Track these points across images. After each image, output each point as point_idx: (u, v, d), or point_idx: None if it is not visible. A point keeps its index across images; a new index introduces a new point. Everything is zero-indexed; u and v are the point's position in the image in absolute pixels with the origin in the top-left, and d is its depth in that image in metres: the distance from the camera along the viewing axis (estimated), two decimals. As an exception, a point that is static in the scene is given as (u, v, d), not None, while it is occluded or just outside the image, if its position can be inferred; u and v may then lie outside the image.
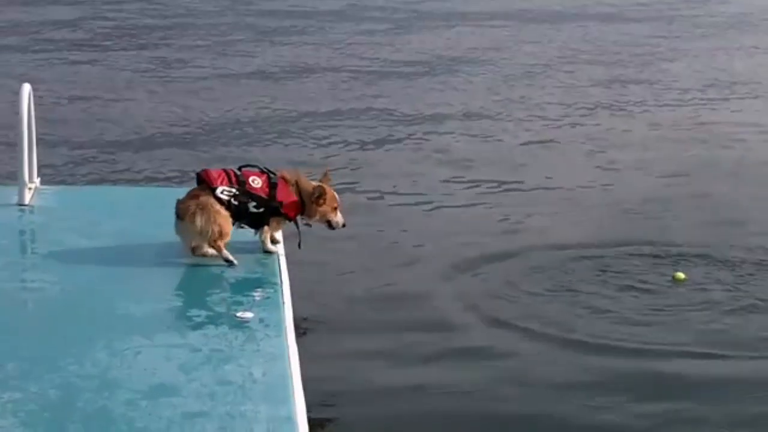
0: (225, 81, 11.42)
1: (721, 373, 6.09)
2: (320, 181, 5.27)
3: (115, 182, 7.69)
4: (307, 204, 5.17)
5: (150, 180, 7.99)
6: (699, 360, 6.25)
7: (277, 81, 11.61)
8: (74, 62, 11.95)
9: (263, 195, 5.06)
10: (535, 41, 13.87)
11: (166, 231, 4.63)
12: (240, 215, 4.88)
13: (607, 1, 16.31)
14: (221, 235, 4.60)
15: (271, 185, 5.16)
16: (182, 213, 4.60)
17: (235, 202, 4.82)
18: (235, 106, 10.50)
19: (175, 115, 10.21)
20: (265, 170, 5.23)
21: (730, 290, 7.22)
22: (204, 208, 4.62)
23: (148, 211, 5.05)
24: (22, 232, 5.00)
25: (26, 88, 4.96)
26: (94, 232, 4.80)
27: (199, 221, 4.59)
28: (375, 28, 14.33)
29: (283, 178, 5.15)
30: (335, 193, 5.36)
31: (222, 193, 4.80)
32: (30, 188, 5.12)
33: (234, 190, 4.89)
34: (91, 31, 13.50)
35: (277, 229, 5.06)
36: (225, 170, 5.16)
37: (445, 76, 12.03)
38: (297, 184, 5.18)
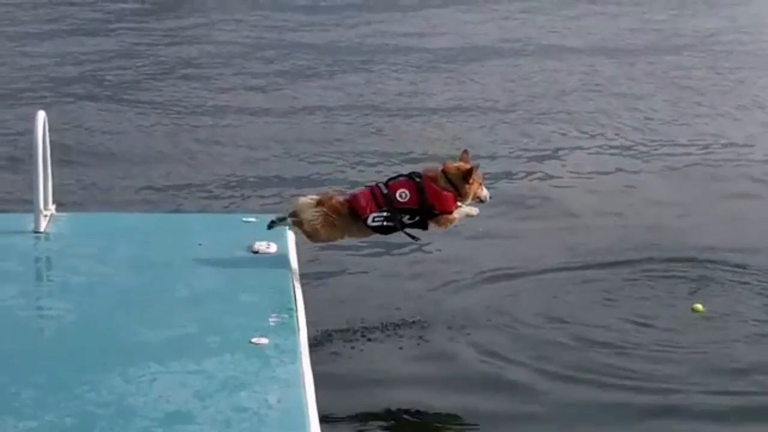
0: (248, 112, 11.39)
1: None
2: (461, 160, 5.52)
3: (130, 208, 7.71)
4: (460, 188, 5.44)
5: (165, 206, 8.00)
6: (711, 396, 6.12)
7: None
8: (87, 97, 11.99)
9: (414, 206, 5.31)
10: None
11: (182, 257, 4.64)
12: (397, 229, 5.25)
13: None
14: None
15: (420, 191, 5.31)
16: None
17: (389, 223, 5.15)
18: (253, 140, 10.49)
19: (188, 140, 10.22)
20: (410, 176, 5.40)
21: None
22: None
23: (163, 237, 5.05)
24: (37, 259, 5.01)
25: (41, 115, 4.98)
26: (110, 259, 4.80)
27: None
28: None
29: (428, 177, 5.38)
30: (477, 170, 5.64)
31: (374, 221, 5.11)
32: (45, 215, 5.13)
33: (384, 213, 5.16)
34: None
35: (447, 223, 5.45)
36: (371, 190, 5.30)
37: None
38: (445, 175, 5.41)
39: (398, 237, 5.56)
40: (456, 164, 5.51)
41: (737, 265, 7.76)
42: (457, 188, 5.45)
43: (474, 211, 5.63)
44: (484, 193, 5.59)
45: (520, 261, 7.59)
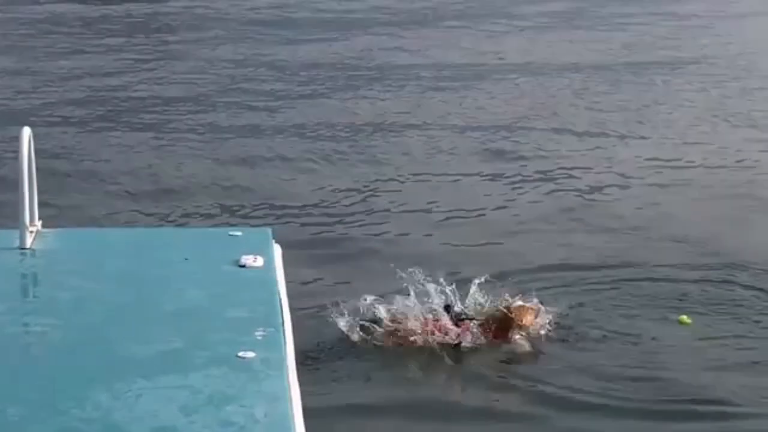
0: (233, 129, 11.39)
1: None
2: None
3: (116, 224, 7.72)
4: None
5: (151, 221, 8.01)
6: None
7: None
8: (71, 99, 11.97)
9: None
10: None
11: (168, 272, 4.63)
12: None
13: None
14: None
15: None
16: None
17: None
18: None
19: (172, 155, 10.22)
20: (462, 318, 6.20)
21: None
22: None
23: (149, 251, 5.03)
24: (23, 276, 4.98)
25: (26, 131, 4.96)
26: (96, 274, 4.78)
27: None
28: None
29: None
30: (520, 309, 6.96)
31: None
32: (31, 231, 5.11)
33: None
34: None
35: None
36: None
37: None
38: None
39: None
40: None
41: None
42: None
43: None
44: (533, 316, 6.97)
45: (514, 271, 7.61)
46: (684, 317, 7.44)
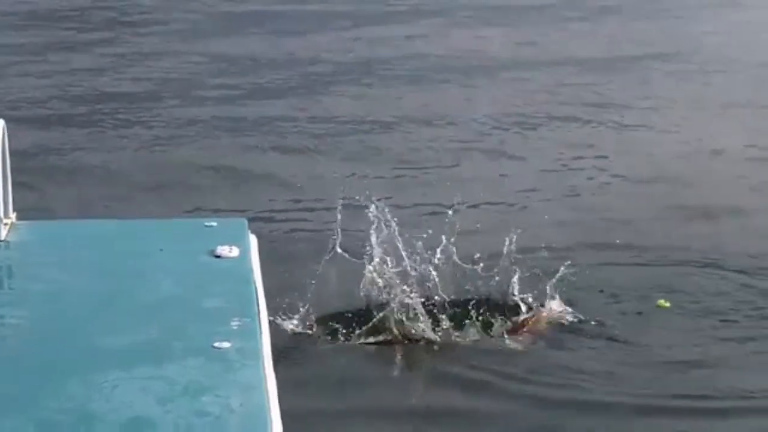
0: (210, 122, 11.38)
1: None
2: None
3: (93, 216, 7.70)
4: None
5: (126, 213, 7.99)
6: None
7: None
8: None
9: None
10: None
11: (143, 263, 4.63)
12: None
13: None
14: None
15: None
16: None
17: None
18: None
19: (150, 150, 10.20)
20: None
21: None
22: None
23: (124, 243, 5.03)
24: (-2, 268, 4.97)
25: (0, 123, 4.95)
26: (71, 266, 4.78)
27: None
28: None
29: None
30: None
31: None
32: (6, 223, 5.10)
33: None
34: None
35: None
36: None
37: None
38: None
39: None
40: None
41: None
42: None
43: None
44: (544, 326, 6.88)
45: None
46: (662, 301, 7.48)
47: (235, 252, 4.78)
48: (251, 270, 4.68)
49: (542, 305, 7.15)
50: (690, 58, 14.32)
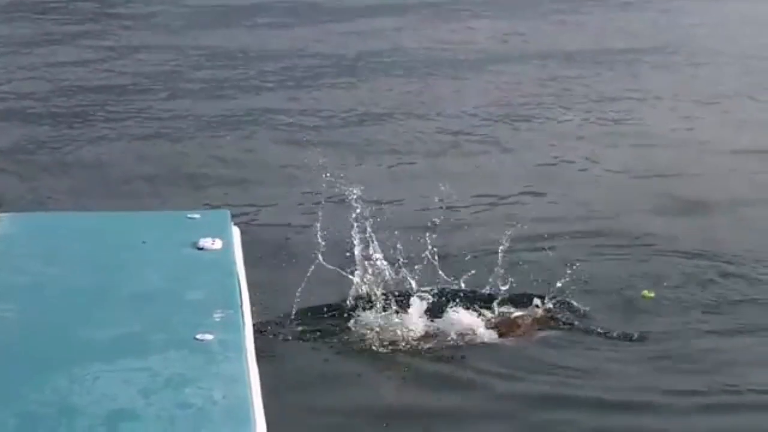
0: (191, 114, 11.36)
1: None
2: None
3: (74, 209, 7.67)
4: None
5: (108, 205, 7.97)
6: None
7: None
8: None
9: None
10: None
11: (126, 255, 4.62)
12: None
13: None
14: None
15: None
16: None
17: None
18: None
19: (133, 143, 10.17)
20: None
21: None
22: None
23: (107, 235, 5.02)
24: (-19, 261, 4.95)
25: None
26: (54, 258, 4.77)
27: None
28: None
29: None
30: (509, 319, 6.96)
31: None
32: (-11, 216, 5.08)
33: None
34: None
35: None
36: None
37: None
38: None
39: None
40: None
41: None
42: None
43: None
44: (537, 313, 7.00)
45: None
46: (646, 292, 7.48)
47: (218, 244, 4.77)
48: (234, 262, 4.67)
49: (530, 300, 7.13)
50: (678, 50, 14.33)
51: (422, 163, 9.99)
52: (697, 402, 6.23)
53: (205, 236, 4.78)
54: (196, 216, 5.09)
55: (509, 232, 7.63)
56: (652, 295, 7.37)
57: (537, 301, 7.11)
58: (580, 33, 15.23)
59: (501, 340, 6.83)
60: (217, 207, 8.29)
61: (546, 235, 8.26)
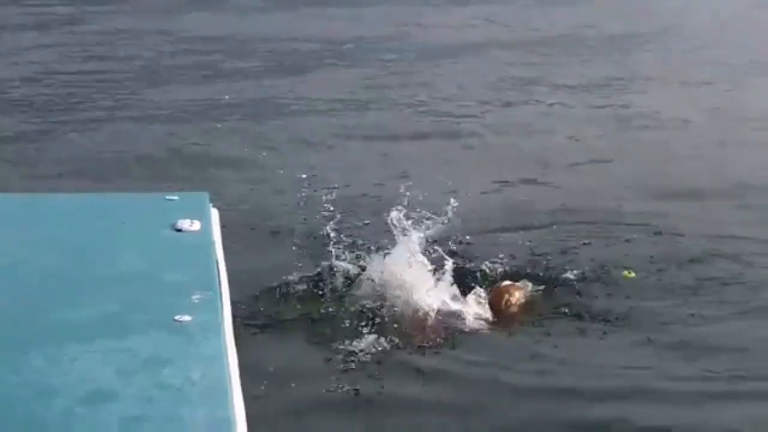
0: (170, 96, 11.33)
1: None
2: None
3: (51, 190, 7.64)
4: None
5: (85, 187, 7.93)
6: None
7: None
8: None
9: None
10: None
11: (104, 237, 4.61)
12: None
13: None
14: None
15: None
16: None
17: None
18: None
19: (107, 119, 10.12)
20: None
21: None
22: None
23: (85, 217, 5.00)
24: (-44, 242, 4.91)
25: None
26: (32, 240, 4.75)
27: None
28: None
29: None
30: (501, 288, 7.08)
31: None
32: (-35, 198, 5.05)
33: None
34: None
35: None
36: None
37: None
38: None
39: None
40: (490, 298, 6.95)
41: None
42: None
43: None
44: (526, 291, 7.11)
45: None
46: (626, 272, 7.50)
47: (196, 226, 4.76)
48: (213, 244, 4.67)
49: (511, 285, 7.13)
50: (660, 36, 14.37)
51: (409, 147, 10.00)
52: (686, 388, 6.25)
53: (183, 218, 4.76)
54: (175, 198, 5.07)
55: (490, 217, 7.66)
56: (633, 275, 7.40)
57: (521, 283, 7.12)
58: (561, 19, 15.24)
59: (485, 325, 6.84)
60: (187, 180, 8.29)
61: (527, 220, 8.29)
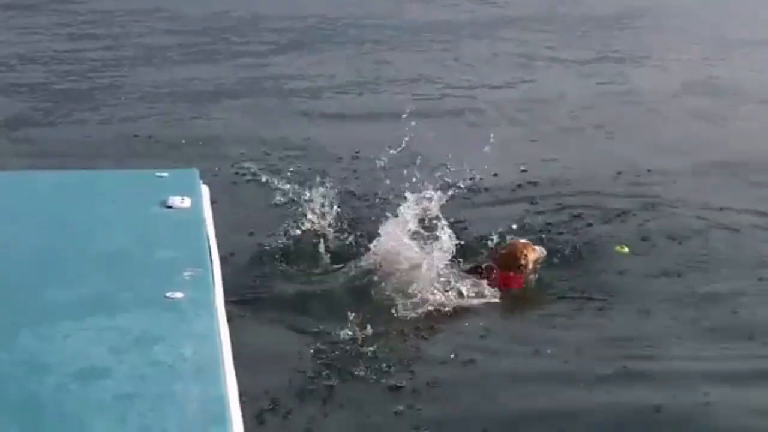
0: (159, 72, 11.29)
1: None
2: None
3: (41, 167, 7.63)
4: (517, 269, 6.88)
5: (75, 164, 7.91)
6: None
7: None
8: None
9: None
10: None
11: (94, 214, 4.60)
12: None
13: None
14: None
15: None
16: None
17: None
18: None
19: (94, 95, 10.09)
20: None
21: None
22: None
23: (74, 194, 4.99)
24: (-57, 221, 4.90)
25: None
26: (21, 218, 4.74)
27: None
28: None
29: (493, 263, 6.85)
30: (518, 243, 7.04)
31: None
32: (-46, 175, 5.03)
33: None
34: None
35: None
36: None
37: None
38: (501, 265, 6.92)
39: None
40: (504, 252, 6.96)
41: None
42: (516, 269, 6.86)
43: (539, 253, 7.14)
44: (538, 254, 7.02)
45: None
46: (619, 247, 7.48)
47: (187, 203, 4.75)
48: (203, 220, 4.66)
49: (529, 244, 7.08)
50: (653, 11, 14.41)
51: (406, 123, 9.97)
52: (662, 369, 6.24)
53: (174, 194, 4.75)
54: (165, 174, 5.06)
55: (489, 191, 7.66)
56: (626, 250, 7.38)
57: (539, 248, 7.07)
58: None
59: (471, 307, 6.82)
60: (177, 157, 8.26)
61: (523, 194, 8.30)
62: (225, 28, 13.23)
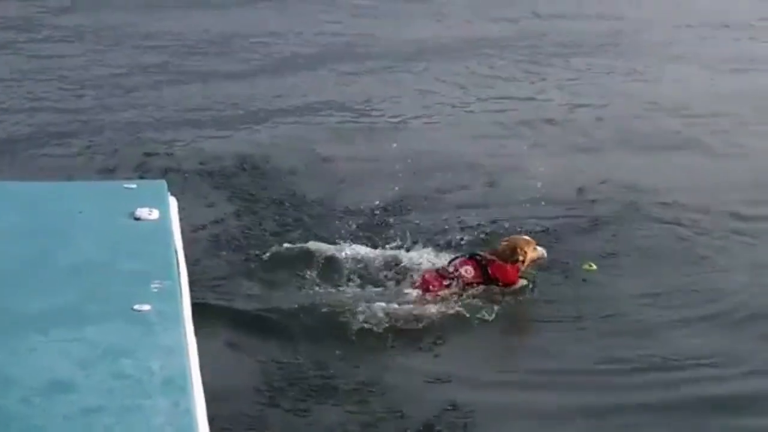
0: (131, 83, 11.24)
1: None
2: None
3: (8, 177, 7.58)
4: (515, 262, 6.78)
5: (42, 175, 7.86)
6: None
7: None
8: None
9: (479, 280, 6.63)
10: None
11: (62, 225, 4.57)
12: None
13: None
14: None
15: (483, 268, 6.28)
16: None
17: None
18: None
19: (66, 107, 10.04)
20: (471, 255, 6.31)
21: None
22: None
23: (42, 205, 4.95)
24: None
25: None
26: (-12, 229, 4.70)
27: None
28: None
29: (490, 257, 6.78)
30: (520, 239, 7.03)
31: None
32: None
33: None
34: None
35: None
36: (438, 272, 6.72)
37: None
38: (499, 256, 6.85)
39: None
40: (505, 243, 6.94)
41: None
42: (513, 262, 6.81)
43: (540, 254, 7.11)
44: (538, 254, 7.00)
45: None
46: (587, 265, 7.48)
47: (155, 214, 4.73)
48: (171, 232, 4.64)
49: (530, 242, 7.06)
50: (648, 19, 14.52)
51: (392, 124, 9.95)
52: (636, 368, 6.28)
53: (142, 206, 4.73)
54: (133, 186, 5.04)
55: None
56: (594, 267, 7.39)
57: (541, 249, 7.05)
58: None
59: (444, 315, 6.79)
60: (145, 169, 8.22)
61: (507, 197, 8.32)
62: (195, 46, 13.17)
